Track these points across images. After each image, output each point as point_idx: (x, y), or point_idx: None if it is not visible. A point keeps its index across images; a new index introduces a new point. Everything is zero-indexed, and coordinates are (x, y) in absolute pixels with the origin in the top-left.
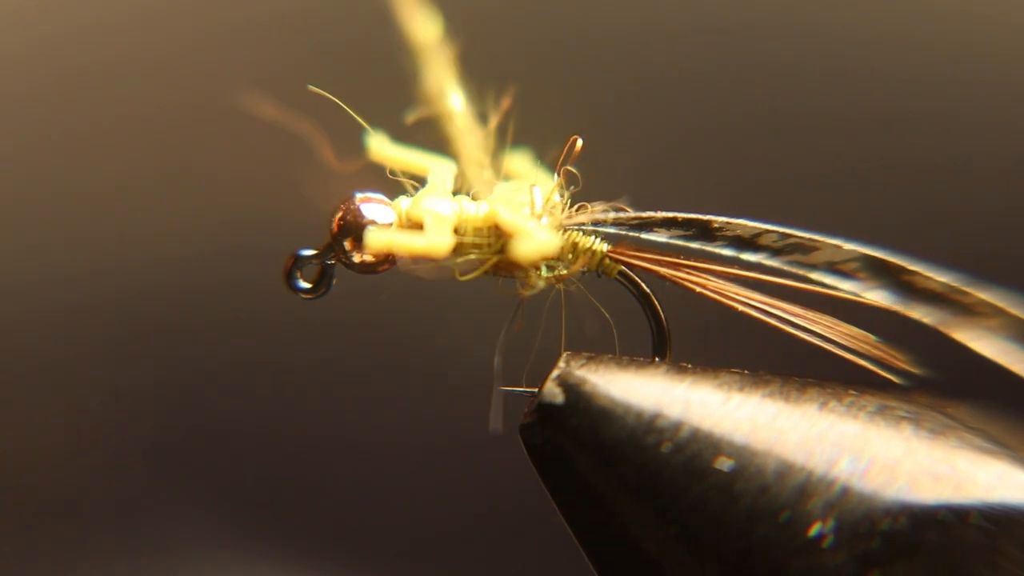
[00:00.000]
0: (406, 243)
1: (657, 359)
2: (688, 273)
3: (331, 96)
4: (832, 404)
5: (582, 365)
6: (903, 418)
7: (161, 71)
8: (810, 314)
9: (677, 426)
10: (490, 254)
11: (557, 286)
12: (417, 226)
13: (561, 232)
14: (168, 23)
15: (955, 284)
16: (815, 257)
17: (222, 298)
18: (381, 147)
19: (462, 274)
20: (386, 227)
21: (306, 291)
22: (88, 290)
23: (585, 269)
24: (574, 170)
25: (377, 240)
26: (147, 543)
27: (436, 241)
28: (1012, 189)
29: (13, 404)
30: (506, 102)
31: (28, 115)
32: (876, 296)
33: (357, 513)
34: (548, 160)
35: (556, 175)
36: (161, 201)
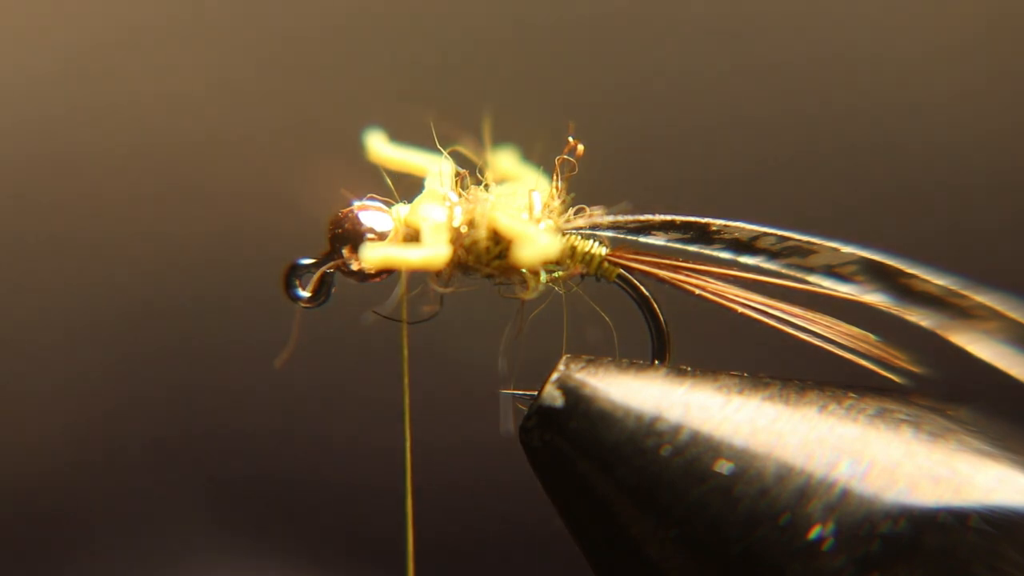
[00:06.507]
0: (403, 257)
1: (657, 362)
2: (687, 275)
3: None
4: (832, 407)
5: (582, 368)
6: (903, 421)
7: (160, 77)
8: (810, 314)
9: (677, 429)
10: (489, 259)
11: (557, 289)
12: (416, 232)
13: (560, 236)
14: (166, 32)
15: (953, 287)
16: (813, 260)
17: (224, 300)
18: (379, 147)
19: (461, 281)
20: (384, 235)
21: (305, 300)
22: (89, 292)
23: (584, 273)
24: (573, 163)
25: (373, 257)
26: (147, 543)
27: (433, 251)
28: (1012, 190)
29: (12, 404)
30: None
31: (29, 118)
32: (874, 299)
33: (358, 515)
34: (534, 157)
35: (555, 179)
36: (161, 205)
